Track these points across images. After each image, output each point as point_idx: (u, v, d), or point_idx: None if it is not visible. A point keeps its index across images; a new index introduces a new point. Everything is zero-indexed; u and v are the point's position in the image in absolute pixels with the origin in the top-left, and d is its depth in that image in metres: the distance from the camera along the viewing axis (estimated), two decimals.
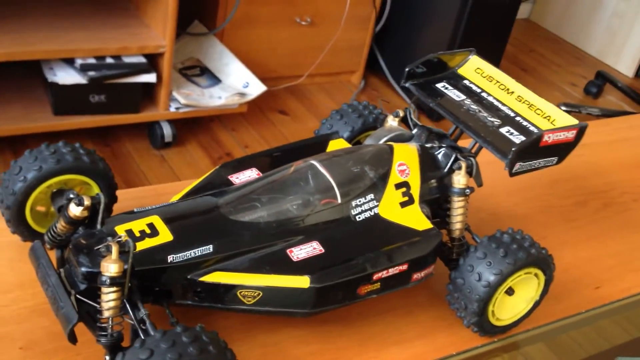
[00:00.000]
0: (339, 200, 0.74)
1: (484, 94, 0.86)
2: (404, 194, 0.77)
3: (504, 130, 0.80)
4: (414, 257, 0.74)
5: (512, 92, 0.85)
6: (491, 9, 2.49)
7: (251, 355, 0.73)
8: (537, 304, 0.80)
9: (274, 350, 0.74)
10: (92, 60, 1.92)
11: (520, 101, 0.84)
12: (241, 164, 0.80)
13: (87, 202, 0.66)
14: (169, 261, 0.66)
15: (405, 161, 0.79)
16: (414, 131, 0.85)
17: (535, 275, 0.78)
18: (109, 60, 1.94)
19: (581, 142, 0.80)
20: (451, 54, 0.90)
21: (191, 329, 0.58)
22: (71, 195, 0.68)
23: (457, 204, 0.79)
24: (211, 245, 0.68)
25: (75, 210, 0.66)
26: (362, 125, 0.89)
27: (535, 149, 0.77)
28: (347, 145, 0.85)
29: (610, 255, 0.99)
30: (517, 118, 0.82)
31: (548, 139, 0.77)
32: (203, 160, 2.14)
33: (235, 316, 0.75)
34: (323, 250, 0.71)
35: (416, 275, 0.75)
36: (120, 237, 0.64)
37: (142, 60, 1.97)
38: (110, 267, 0.61)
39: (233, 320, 0.75)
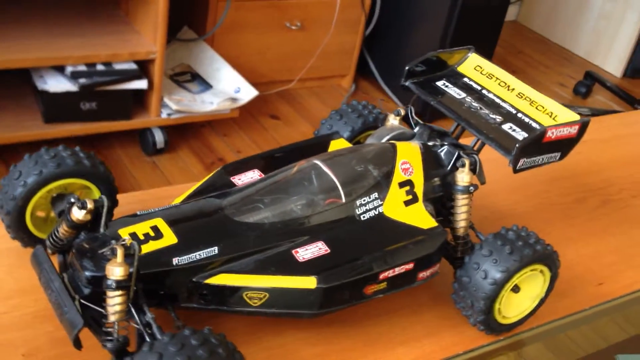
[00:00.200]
0: (344, 200, 0.74)
1: (484, 92, 0.85)
2: (407, 193, 0.77)
3: (506, 127, 0.80)
4: (420, 255, 0.73)
5: (513, 89, 0.85)
6: (480, 11, 2.49)
7: (257, 358, 0.72)
8: (542, 301, 0.80)
9: (279, 352, 0.73)
10: (82, 68, 1.91)
11: (521, 98, 0.84)
12: (243, 166, 0.80)
13: (90, 205, 0.65)
14: (174, 264, 0.65)
15: (409, 159, 0.78)
16: (416, 129, 0.84)
17: (541, 272, 0.77)
18: (100, 67, 1.93)
19: None
20: (450, 52, 0.89)
21: (199, 331, 0.57)
22: (72, 200, 0.67)
23: (461, 201, 0.78)
24: (216, 247, 0.67)
25: (78, 214, 0.65)
26: (362, 125, 0.89)
27: (539, 145, 0.77)
28: (348, 145, 0.84)
29: (611, 252, 0.99)
30: (519, 115, 0.82)
31: (551, 134, 0.77)
32: (195, 166, 2.13)
33: (240, 319, 0.74)
34: (329, 251, 0.70)
35: (422, 274, 0.75)
36: (124, 240, 0.63)
37: (133, 66, 1.96)
38: (116, 271, 0.60)
39: (238, 323, 0.74)
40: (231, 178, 0.78)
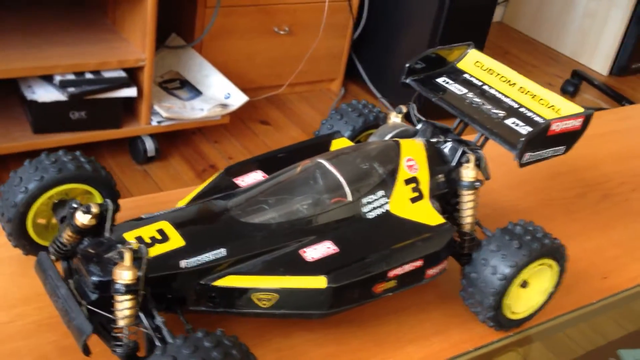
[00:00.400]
0: (350, 198, 0.73)
1: (485, 87, 0.85)
2: (413, 190, 0.76)
3: (509, 121, 0.80)
4: (428, 252, 0.72)
5: (514, 84, 0.85)
6: (467, 12, 2.50)
7: None
8: (551, 296, 0.79)
9: (289, 354, 0.72)
10: (71, 76, 1.89)
11: (523, 92, 0.83)
12: (245, 167, 0.79)
13: (94, 209, 0.64)
14: (182, 266, 0.64)
15: (413, 156, 0.78)
16: (418, 126, 0.84)
17: (549, 266, 0.77)
18: (89, 76, 1.91)
19: None
20: (449, 49, 0.89)
21: (212, 333, 0.56)
22: (74, 205, 0.66)
23: (467, 197, 0.78)
24: (224, 249, 0.66)
25: (83, 219, 0.64)
26: (363, 124, 0.88)
27: (544, 139, 0.76)
28: (350, 143, 0.84)
29: (614, 245, 0.99)
30: (522, 109, 0.81)
31: (556, 127, 0.76)
32: (187, 173, 2.12)
33: (248, 321, 0.73)
34: (337, 250, 0.69)
35: (430, 271, 0.74)
36: (130, 244, 0.62)
37: (122, 74, 1.95)
38: (124, 274, 0.59)
39: (246, 326, 0.73)
40: (234, 180, 0.77)
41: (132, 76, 1.98)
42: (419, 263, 0.72)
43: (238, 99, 2.16)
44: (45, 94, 1.87)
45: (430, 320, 0.80)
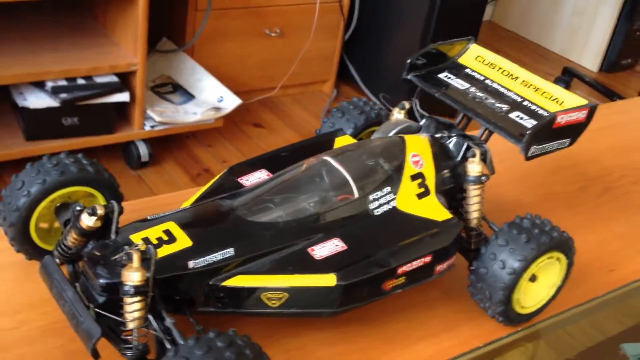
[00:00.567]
0: (356, 195, 0.72)
1: (488, 81, 0.85)
2: (420, 185, 0.76)
3: (513, 115, 0.79)
4: (437, 248, 0.72)
5: (517, 78, 0.84)
6: (458, 12, 2.50)
7: None
8: (559, 289, 0.79)
9: (298, 353, 0.72)
10: (63, 82, 1.87)
11: (526, 86, 0.83)
12: (249, 166, 0.78)
13: (100, 211, 0.63)
14: (190, 267, 0.63)
15: (418, 152, 0.77)
16: (422, 122, 0.83)
17: (558, 259, 0.76)
18: (81, 81, 1.89)
19: None
20: (450, 44, 0.89)
21: (224, 333, 0.56)
22: (78, 208, 0.65)
23: (473, 192, 0.77)
24: (232, 248, 0.65)
25: (88, 221, 0.63)
26: (365, 121, 0.87)
27: (549, 131, 0.76)
28: (353, 141, 0.83)
29: (617, 238, 0.98)
30: (525, 102, 0.81)
31: (561, 120, 0.76)
32: (181, 177, 2.10)
33: (257, 321, 0.72)
34: (345, 247, 0.69)
35: (439, 267, 0.73)
36: (138, 245, 0.61)
37: (115, 79, 1.93)
38: (133, 276, 0.58)
39: (255, 326, 0.72)
40: (238, 179, 0.76)
41: (124, 81, 1.96)
42: (427, 259, 0.71)
43: (231, 102, 2.15)
44: (37, 100, 1.85)
45: (439, 317, 0.79)
